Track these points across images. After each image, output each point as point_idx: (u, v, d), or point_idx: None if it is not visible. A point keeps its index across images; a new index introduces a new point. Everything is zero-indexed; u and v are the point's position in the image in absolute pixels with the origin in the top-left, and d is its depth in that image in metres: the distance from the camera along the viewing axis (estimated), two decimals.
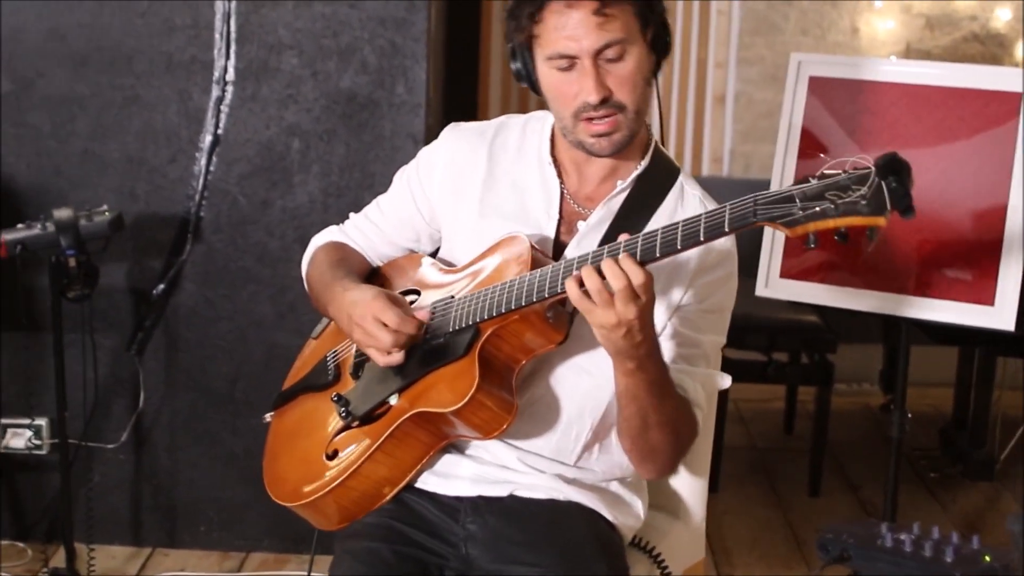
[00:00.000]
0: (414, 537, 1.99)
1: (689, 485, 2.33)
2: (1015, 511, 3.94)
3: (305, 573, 2.40)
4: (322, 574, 2.07)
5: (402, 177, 2.22)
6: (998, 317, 2.70)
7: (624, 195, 2.02)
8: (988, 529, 3.80)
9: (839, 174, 1.57)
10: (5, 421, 3.39)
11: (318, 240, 2.28)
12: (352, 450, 1.98)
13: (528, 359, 1.92)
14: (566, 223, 2.04)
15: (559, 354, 1.98)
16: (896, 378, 2.95)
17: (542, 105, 2.08)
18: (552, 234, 2.02)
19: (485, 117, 2.24)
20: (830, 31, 5.13)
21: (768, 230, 2.86)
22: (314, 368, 2.18)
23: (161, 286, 3.36)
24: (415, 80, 3.24)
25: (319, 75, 3.25)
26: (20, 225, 2.91)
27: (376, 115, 3.26)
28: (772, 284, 2.93)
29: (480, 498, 2.02)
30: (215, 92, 3.26)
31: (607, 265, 1.71)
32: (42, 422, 3.37)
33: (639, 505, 2.14)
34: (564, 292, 1.77)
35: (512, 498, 2.02)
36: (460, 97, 4.79)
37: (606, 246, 1.75)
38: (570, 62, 1.88)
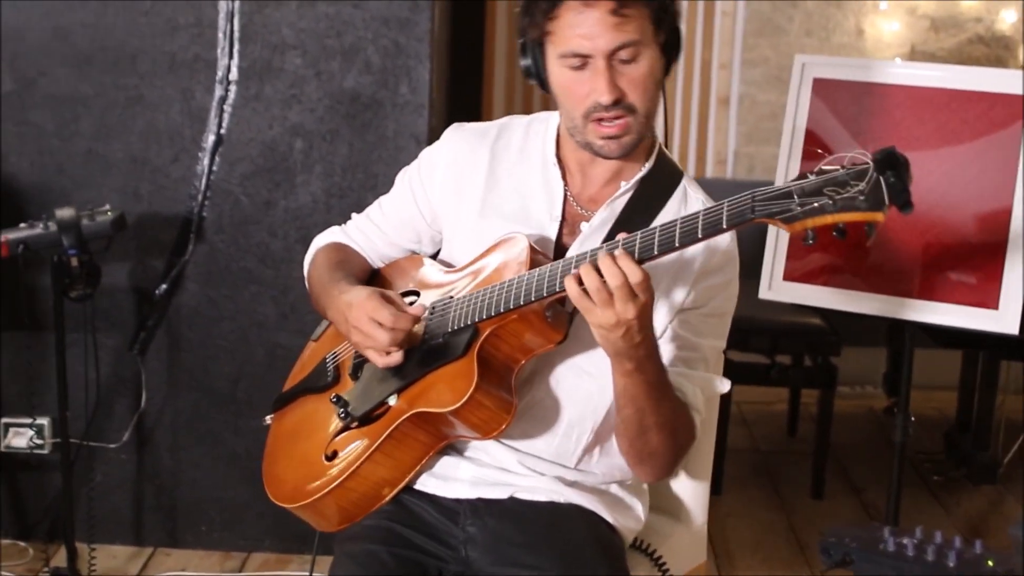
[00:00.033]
0: (413, 539, 1.98)
1: (691, 488, 2.32)
2: (1018, 515, 3.93)
3: (307, 574, 2.39)
4: (323, 575, 2.06)
5: (404, 178, 2.21)
6: (1002, 321, 2.69)
7: (627, 197, 2.02)
8: (992, 533, 3.80)
9: (837, 170, 1.56)
10: (7, 420, 3.39)
11: (319, 241, 2.27)
12: (351, 451, 1.98)
13: (527, 359, 1.92)
14: (568, 225, 2.04)
15: (560, 355, 1.98)
16: (900, 381, 2.94)
17: (546, 106, 2.08)
18: (554, 235, 2.02)
19: (489, 118, 2.23)
20: (835, 33, 5.12)
21: (772, 232, 2.86)
22: (313, 370, 2.18)
23: (163, 286, 3.35)
24: (419, 80, 3.24)
25: (322, 75, 3.25)
26: (22, 224, 2.91)
27: (379, 115, 3.26)
28: (775, 287, 2.92)
29: (480, 500, 2.02)
30: (218, 92, 3.26)
31: (604, 263, 1.71)
32: (44, 421, 3.37)
33: (639, 508, 2.13)
34: (562, 291, 1.76)
35: (512, 500, 2.02)
36: (464, 97, 4.79)
37: (605, 244, 1.75)
38: (583, 61, 1.87)
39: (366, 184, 3.27)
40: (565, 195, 2.04)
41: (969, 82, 2.78)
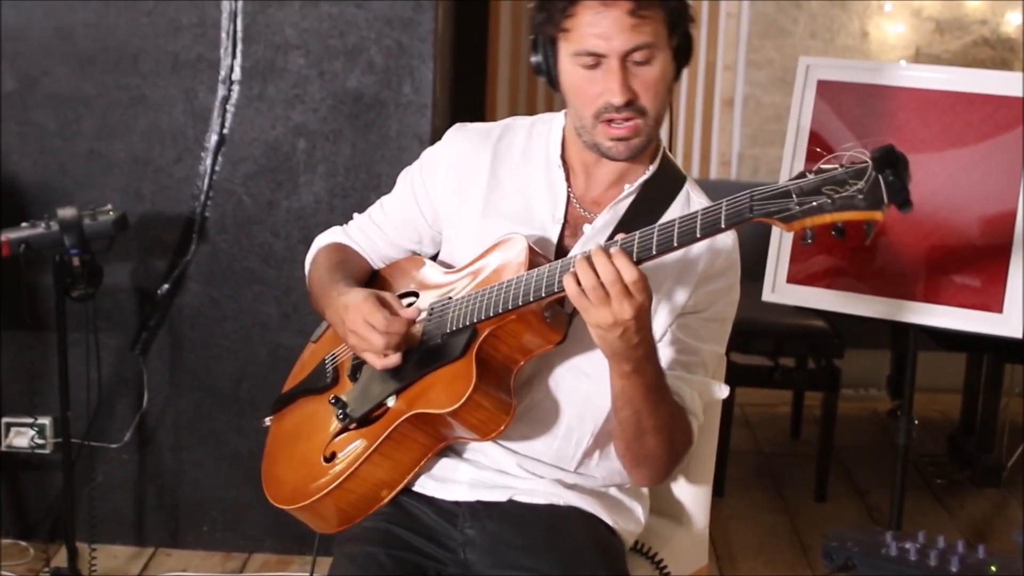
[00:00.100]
0: (412, 542, 1.98)
1: (692, 491, 2.32)
2: (1021, 519, 3.92)
3: (307, 575, 2.39)
4: None
5: (405, 178, 2.21)
6: (1006, 324, 2.68)
7: (630, 200, 2.01)
8: (995, 536, 3.79)
9: (836, 168, 1.55)
10: (8, 420, 3.39)
11: (320, 241, 2.27)
12: (350, 452, 1.97)
13: (526, 360, 1.91)
14: (571, 226, 2.03)
15: (559, 357, 1.97)
16: (903, 384, 2.94)
17: (550, 107, 2.07)
18: (556, 237, 2.01)
19: (492, 118, 2.24)
20: (839, 34, 5.11)
21: (775, 233, 2.85)
22: (312, 371, 2.17)
23: (166, 286, 3.35)
24: (422, 80, 3.24)
25: (325, 75, 3.24)
26: (24, 224, 2.90)
27: (382, 115, 3.25)
28: (779, 289, 2.91)
29: (479, 503, 2.01)
30: (221, 92, 3.26)
31: (599, 260, 1.70)
32: (45, 421, 3.37)
33: (639, 510, 2.13)
34: (561, 292, 1.76)
35: (511, 503, 2.01)
36: (468, 98, 4.78)
37: (604, 243, 1.74)
38: (596, 60, 1.86)
39: (369, 184, 3.27)
40: (568, 197, 2.03)
41: (974, 85, 2.77)
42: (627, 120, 1.88)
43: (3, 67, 3.24)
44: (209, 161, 3.29)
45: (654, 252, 1.70)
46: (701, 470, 2.31)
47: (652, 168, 2.02)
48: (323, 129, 3.27)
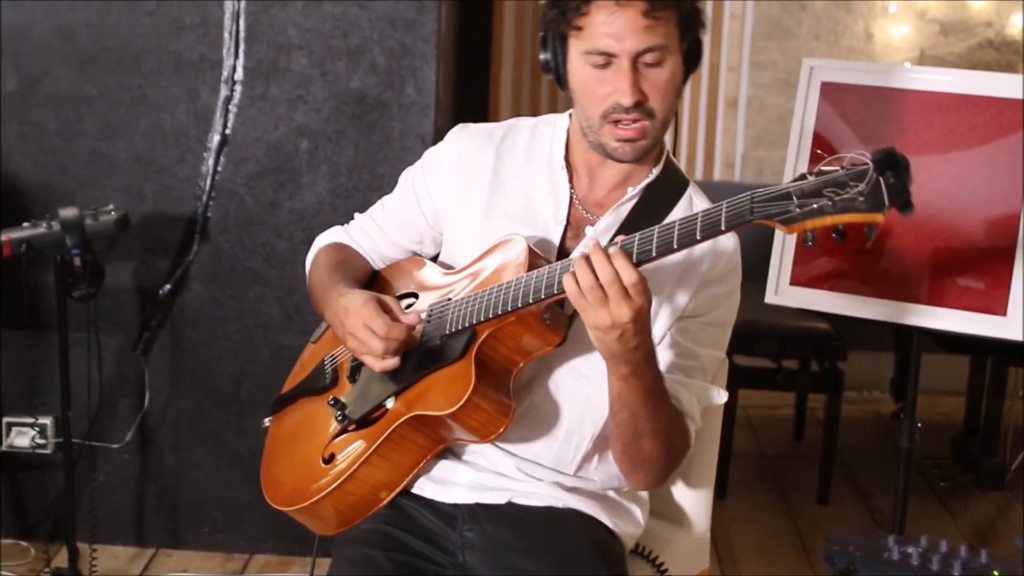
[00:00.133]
0: (411, 544, 1.97)
1: (693, 495, 2.31)
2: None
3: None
4: None
5: (407, 178, 2.20)
6: (1010, 327, 2.67)
7: (633, 203, 2.00)
8: (998, 539, 3.78)
9: (837, 170, 1.54)
10: (9, 420, 3.38)
11: (321, 241, 2.27)
12: (349, 454, 1.96)
13: (526, 361, 1.91)
14: (573, 228, 2.02)
15: (559, 359, 1.96)
16: (907, 386, 2.93)
17: (553, 107, 2.06)
18: (558, 239, 2.00)
19: (496, 119, 2.23)
20: (843, 36, 5.10)
21: (778, 236, 2.85)
22: (312, 372, 2.16)
23: (168, 286, 3.35)
24: (425, 81, 3.23)
25: (328, 75, 3.24)
26: (25, 224, 2.90)
27: (385, 116, 3.25)
28: (782, 291, 2.91)
29: (478, 505, 2.00)
30: (224, 92, 3.25)
31: (597, 260, 1.69)
32: (47, 421, 3.37)
33: (639, 512, 2.12)
34: (560, 293, 1.75)
35: (510, 505, 2.00)
36: (471, 98, 4.77)
37: (606, 245, 1.74)
38: (607, 60, 1.85)
39: (372, 185, 3.26)
40: (571, 198, 2.02)
41: (978, 87, 2.76)
42: (635, 121, 1.87)
43: (4, 67, 3.24)
44: (211, 161, 3.28)
45: (654, 254, 1.69)
46: (702, 473, 2.30)
47: (656, 171, 2.01)
48: (326, 130, 3.26)
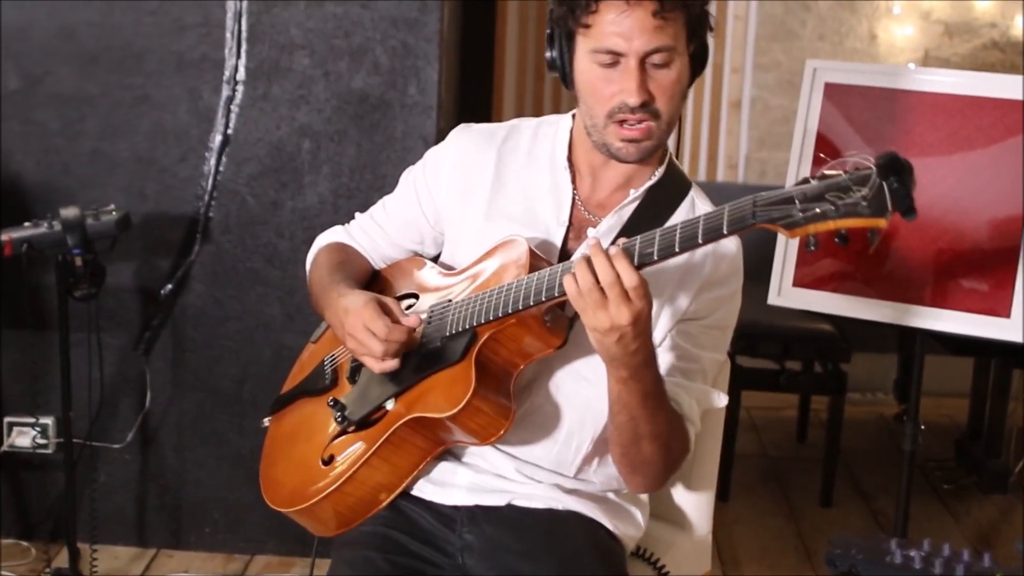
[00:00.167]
0: (409, 546, 1.96)
1: (695, 497, 2.30)
2: None
3: None
4: None
5: (408, 178, 2.19)
6: (1014, 329, 2.66)
7: (635, 205, 1.99)
8: (1002, 542, 3.76)
9: (840, 174, 1.53)
10: (11, 419, 3.38)
11: (321, 240, 2.26)
12: (348, 455, 1.96)
13: (526, 364, 1.90)
14: (575, 229, 2.01)
15: (559, 361, 1.95)
16: (911, 388, 2.92)
17: (556, 108, 2.05)
18: (560, 240, 1.99)
19: (499, 119, 2.22)
20: (848, 37, 5.09)
21: (781, 237, 2.83)
22: (311, 372, 2.16)
23: (169, 286, 3.34)
24: (427, 81, 3.22)
25: (330, 75, 3.23)
26: (27, 224, 2.89)
27: (388, 116, 3.24)
28: (785, 293, 2.90)
29: (477, 507, 1.99)
30: (226, 92, 3.25)
31: (598, 261, 1.68)
32: (48, 421, 3.36)
33: (639, 515, 2.11)
34: (561, 296, 1.74)
35: (510, 507, 2.00)
36: (474, 99, 4.77)
37: (608, 247, 1.73)
38: (615, 59, 1.84)
39: (374, 185, 3.26)
40: (573, 199, 2.01)
41: (982, 88, 2.76)
42: (640, 122, 1.86)
43: (6, 66, 3.24)
44: (213, 161, 3.28)
45: (655, 256, 1.68)
46: (703, 475, 2.29)
47: (658, 173, 2.00)
48: (328, 130, 3.26)
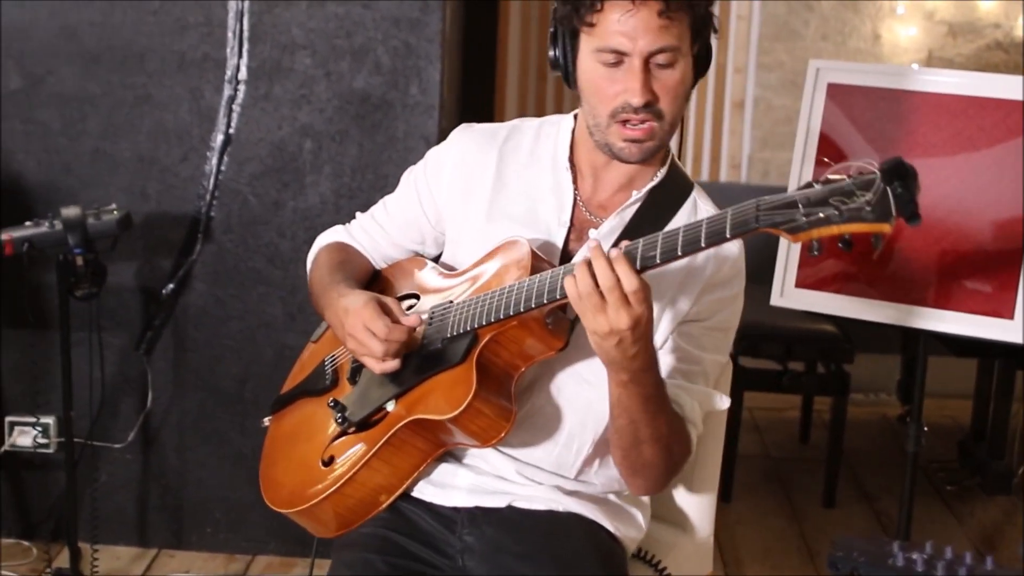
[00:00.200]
0: (409, 548, 1.96)
1: (696, 499, 2.29)
2: None
3: None
4: None
5: (409, 178, 2.19)
6: (1018, 331, 2.65)
7: (637, 206, 1.98)
8: (1006, 544, 3.75)
9: (844, 179, 1.53)
10: (12, 419, 3.38)
11: (322, 240, 2.25)
12: (348, 457, 1.95)
13: (527, 366, 1.89)
14: (576, 230, 2.00)
15: (561, 363, 1.94)
16: (914, 389, 2.91)
17: (559, 108, 2.05)
18: (561, 241, 1.99)
19: (501, 119, 2.21)
20: (851, 37, 5.08)
21: (783, 239, 2.83)
22: (312, 372, 2.15)
23: (171, 285, 3.34)
24: (429, 81, 3.22)
25: (332, 75, 3.23)
26: (28, 223, 2.89)
27: (389, 116, 3.24)
28: (787, 294, 2.89)
29: (478, 509, 1.99)
30: (227, 91, 3.24)
31: (598, 264, 1.67)
32: (49, 420, 3.36)
33: (640, 516, 2.11)
34: (563, 298, 1.73)
35: (510, 509, 1.99)
36: (476, 99, 4.76)
37: (609, 250, 1.72)
38: (619, 59, 1.83)
39: (375, 185, 3.25)
40: (575, 200, 2.00)
41: (986, 89, 2.75)
42: (643, 122, 1.85)
43: (8, 66, 3.24)
44: (215, 161, 3.27)
45: (658, 260, 1.67)
46: (705, 478, 2.28)
47: (660, 174, 1.99)
48: (329, 130, 3.25)
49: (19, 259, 2.87)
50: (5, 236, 2.83)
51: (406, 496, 1.99)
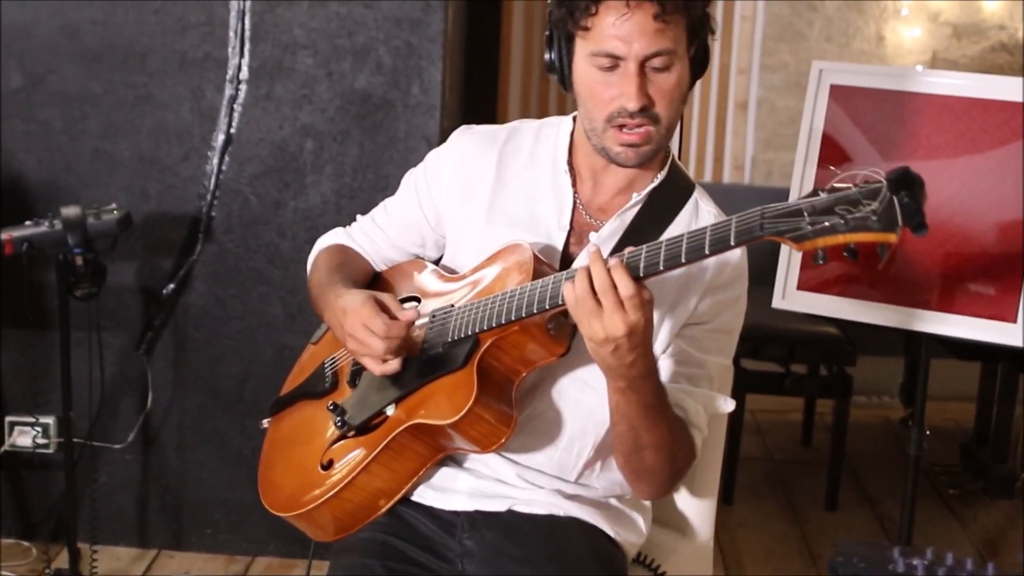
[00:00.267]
0: (409, 553, 1.94)
1: (696, 503, 2.28)
2: None
3: None
4: None
5: (409, 180, 2.18)
6: (1020, 334, 2.64)
7: (637, 208, 1.97)
8: (1008, 548, 3.74)
9: (850, 188, 1.51)
10: (11, 419, 3.38)
11: (322, 242, 2.25)
12: (348, 461, 1.94)
13: (528, 371, 1.88)
14: (576, 234, 1.99)
15: (562, 368, 1.94)
16: (916, 391, 2.90)
17: (562, 110, 2.04)
18: (561, 245, 1.98)
19: (504, 120, 2.20)
20: (855, 38, 5.07)
21: None
22: (311, 375, 2.14)
23: (171, 285, 3.33)
24: (430, 81, 3.21)
25: (334, 75, 3.22)
26: (27, 223, 2.89)
27: (391, 116, 3.23)
28: (789, 296, 2.88)
29: (478, 513, 1.98)
30: (228, 91, 3.23)
31: (595, 270, 1.66)
32: (49, 421, 3.36)
33: (640, 521, 2.10)
34: (564, 304, 1.72)
35: (510, 513, 1.98)
36: (478, 99, 4.75)
37: (608, 255, 1.71)
38: (614, 63, 1.82)
39: (377, 185, 3.24)
40: (575, 203, 1.99)
41: (990, 90, 2.73)
42: (639, 126, 1.84)
43: (9, 65, 3.23)
44: (216, 161, 3.27)
45: (661, 267, 1.66)
46: (706, 482, 2.27)
47: (661, 176, 1.98)
48: (331, 130, 3.24)
49: (19, 259, 2.86)
50: (5, 236, 2.83)
51: (405, 500, 1.98)
